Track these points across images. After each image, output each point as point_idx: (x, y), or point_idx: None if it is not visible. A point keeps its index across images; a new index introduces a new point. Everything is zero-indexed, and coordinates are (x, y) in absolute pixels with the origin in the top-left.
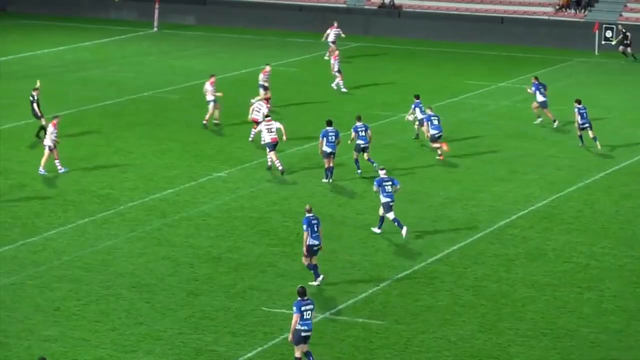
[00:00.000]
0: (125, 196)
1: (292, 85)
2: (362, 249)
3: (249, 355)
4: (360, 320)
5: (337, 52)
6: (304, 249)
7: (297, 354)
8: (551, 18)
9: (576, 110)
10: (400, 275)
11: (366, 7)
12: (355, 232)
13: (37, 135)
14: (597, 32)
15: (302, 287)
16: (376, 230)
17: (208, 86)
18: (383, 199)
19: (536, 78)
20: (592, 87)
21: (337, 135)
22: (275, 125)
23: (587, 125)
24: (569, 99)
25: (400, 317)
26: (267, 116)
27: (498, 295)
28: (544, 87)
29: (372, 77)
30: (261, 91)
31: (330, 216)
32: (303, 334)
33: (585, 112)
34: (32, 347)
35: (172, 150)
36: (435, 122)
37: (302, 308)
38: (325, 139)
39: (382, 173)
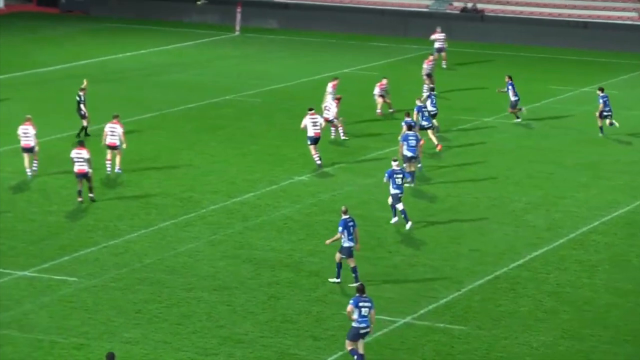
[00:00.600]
0: (207, 199)
1: (372, 91)
2: (444, 253)
3: (331, 359)
4: (442, 325)
5: (431, 57)
6: (340, 249)
7: (349, 347)
8: (635, 23)
9: (600, 98)
10: (481, 281)
11: (448, 11)
12: (436, 237)
13: (78, 135)
14: None
15: (361, 284)
16: (393, 220)
17: (329, 88)
18: (392, 191)
19: (509, 77)
20: None
21: (418, 140)
22: (320, 120)
23: (609, 113)
24: None
25: (481, 322)
26: (310, 109)
27: (580, 301)
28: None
29: (454, 82)
30: (378, 99)
31: (412, 220)
32: (361, 331)
33: (608, 100)
34: (114, 349)
35: (253, 153)
36: (426, 114)
37: (360, 304)
38: (406, 143)
39: (394, 164)
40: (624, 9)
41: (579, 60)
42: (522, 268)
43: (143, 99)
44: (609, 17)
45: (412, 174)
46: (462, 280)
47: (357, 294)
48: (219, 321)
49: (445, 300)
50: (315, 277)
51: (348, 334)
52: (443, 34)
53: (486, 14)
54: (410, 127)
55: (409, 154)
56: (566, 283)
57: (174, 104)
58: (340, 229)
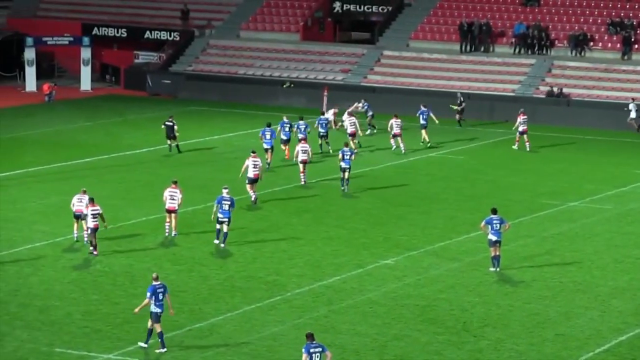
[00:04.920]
0: (293, 283)
1: (460, 173)
2: (529, 338)
3: None
4: None
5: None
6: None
7: None
8: None
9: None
10: None
11: (534, 95)
12: (522, 322)
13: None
14: None
15: (310, 332)
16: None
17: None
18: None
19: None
20: None
21: (502, 223)
22: (260, 162)
23: None
24: None
25: None
26: (253, 151)
27: None
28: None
29: (539, 166)
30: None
31: (497, 304)
32: None
33: None
34: None
35: (339, 237)
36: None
37: (311, 350)
38: (489, 226)
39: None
40: None
41: None
42: (608, 353)
43: (230, 181)
44: None
45: (497, 258)
46: None
47: (307, 341)
48: None
49: None
50: None
51: None
52: (525, 116)
53: (573, 98)
54: (495, 212)
55: (494, 238)
56: None
57: (263, 187)
58: (148, 294)
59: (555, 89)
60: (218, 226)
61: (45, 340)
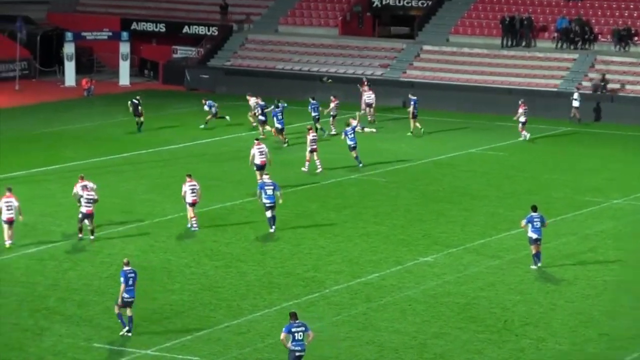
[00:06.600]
0: (331, 279)
1: (500, 170)
2: (572, 337)
3: None
4: None
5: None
6: (119, 299)
7: None
8: None
9: None
10: None
11: (580, 91)
12: (565, 321)
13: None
14: None
15: (293, 311)
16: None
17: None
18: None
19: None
20: None
21: (542, 221)
22: (266, 149)
23: None
24: None
25: None
26: (256, 139)
27: None
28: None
29: (581, 162)
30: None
31: (539, 303)
32: (297, 353)
33: None
34: None
35: (378, 233)
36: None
37: (293, 330)
38: (530, 224)
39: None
40: None
41: None
42: None
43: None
44: None
45: (537, 255)
46: None
47: (290, 321)
48: None
49: None
50: (440, 359)
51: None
52: (526, 107)
53: (618, 94)
54: (535, 209)
55: (534, 236)
56: None
57: (299, 183)
58: (122, 279)
59: (602, 83)
60: (267, 213)
61: (84, 335)
